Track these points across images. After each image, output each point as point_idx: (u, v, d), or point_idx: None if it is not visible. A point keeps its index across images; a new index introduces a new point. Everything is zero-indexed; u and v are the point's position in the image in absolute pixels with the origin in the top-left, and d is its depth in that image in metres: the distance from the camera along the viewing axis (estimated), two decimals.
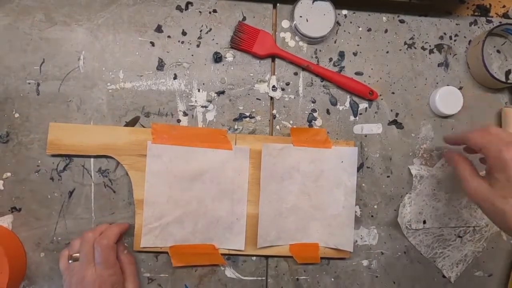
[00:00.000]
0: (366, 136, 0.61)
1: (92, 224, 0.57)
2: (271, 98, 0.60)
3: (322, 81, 0.61)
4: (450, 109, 0.60)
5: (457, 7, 0.64)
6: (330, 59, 0.61)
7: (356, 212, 0.60)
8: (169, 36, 0.59)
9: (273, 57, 0.61)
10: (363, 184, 0.61)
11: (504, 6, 0.66)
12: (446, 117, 0.62)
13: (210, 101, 0.59)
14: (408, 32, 0.63)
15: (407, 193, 0.61)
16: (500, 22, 0.64)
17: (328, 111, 0.61)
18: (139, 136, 0.56)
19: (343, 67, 0.61)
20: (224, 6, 0.60)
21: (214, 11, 0.60)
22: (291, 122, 0.60)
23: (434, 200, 0.61)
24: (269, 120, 0.60)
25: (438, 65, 0.63)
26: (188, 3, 0.60)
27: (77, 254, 0.51)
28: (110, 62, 0.58)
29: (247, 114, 0.60)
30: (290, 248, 0.58)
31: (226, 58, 0.60)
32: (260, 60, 0.60)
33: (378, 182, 0.61)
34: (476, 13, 0.65)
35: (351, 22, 0.62)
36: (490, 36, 0.61)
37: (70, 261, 0.51)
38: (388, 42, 0.62)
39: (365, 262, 0.60)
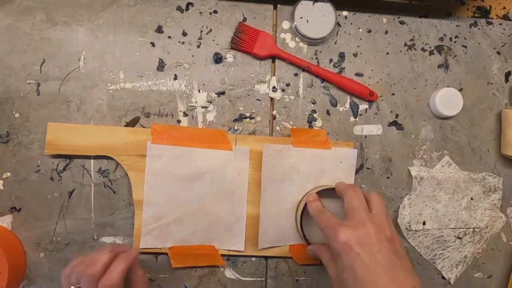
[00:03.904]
0: (366, 137, 0.61)
1: (92, 225, 0.57)
2: (271, 99, 0.60)
3: (322, 82, 0.61)
4: (450, 111, 0.60)
5: (458, 8, 0.64)
6: (331, 60, 0.61)
7: None
8: (169, 37, 0.59)
9: (273, 58, 0.61)
10: (363, 185, 0.61)
11: (504, 8, 0.66)
12: (446, 118, 0.62)
13: (210, 102, 0.59)
14: (408, 33, 0.63)
15: (407, 194, 0.61)
16: (500, 24, 0.64)
17: (328, 112, 0.61)
18: (139, 136, 0.56)
19: (343, 68, 0.61)
20: (224, 6, 0.60)
21: (215, 11, 0.60)
22: (291, 123, 0.60)
23: (434, 201, 0.61)
24: (269, 121, 0.60)
25: (438, 67, 0.63)
26: (188, 4, 0.60)
27: (79, 286, 0.44)
28: (111, 63, 0.58)
29: (247, 114, 0.60)
30: (290, 249, 0.58)
31: (226, 58, 0.60)
32: (260, 61, 0.60)
33: (378, 183, 0.61)
34: (476, 15, 0.65)
35: (351, 23, 0.62)
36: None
37: None
38: (388, 43, 0.63)
39: None
